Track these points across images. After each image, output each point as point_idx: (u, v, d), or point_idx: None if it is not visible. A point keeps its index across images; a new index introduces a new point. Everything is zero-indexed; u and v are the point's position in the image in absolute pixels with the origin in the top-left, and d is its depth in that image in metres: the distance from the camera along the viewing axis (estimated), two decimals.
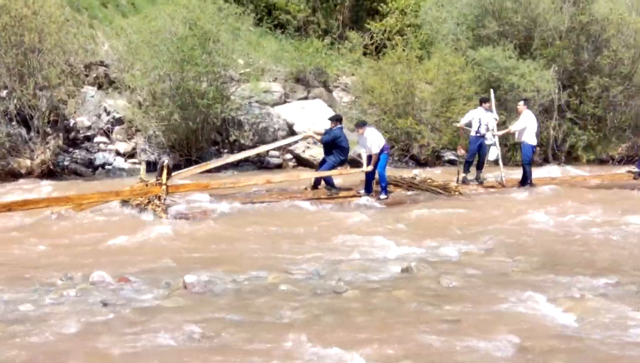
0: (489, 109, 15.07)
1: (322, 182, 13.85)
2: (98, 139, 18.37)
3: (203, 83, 18.07)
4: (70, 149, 17.76)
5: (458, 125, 15.66)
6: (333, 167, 13.71)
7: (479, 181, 15.09)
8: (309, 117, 20.31)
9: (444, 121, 20.24)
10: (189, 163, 17.84)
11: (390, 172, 14.97)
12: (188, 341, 5.59)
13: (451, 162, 20.79)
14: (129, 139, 18.69)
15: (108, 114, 18.71)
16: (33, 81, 16.29)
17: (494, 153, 15.18)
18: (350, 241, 9.88)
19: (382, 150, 13.48)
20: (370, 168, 13.39)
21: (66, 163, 17.25)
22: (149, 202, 11.74)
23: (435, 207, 12.69)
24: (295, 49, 23.24)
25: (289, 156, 19.84)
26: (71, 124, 18.09)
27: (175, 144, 18.21)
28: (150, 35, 17.79)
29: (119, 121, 18.77)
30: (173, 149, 18.18)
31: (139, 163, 17.66)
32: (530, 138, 14.89)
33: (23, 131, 16.63)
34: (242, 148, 18.55)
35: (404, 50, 21.00)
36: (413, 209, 12.48)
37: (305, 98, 22.00)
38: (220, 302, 6.72)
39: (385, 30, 25.36)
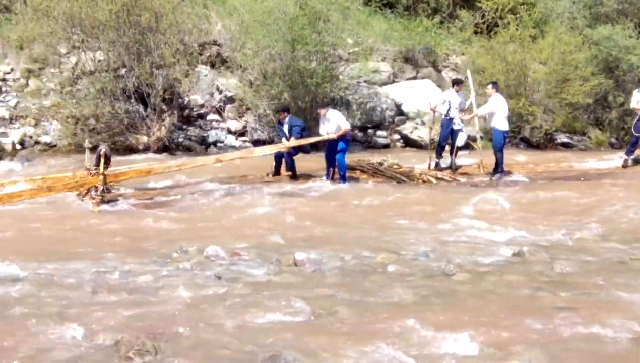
0: (459, 92, 14.73)
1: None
2: (211, 116, 18.82)
3: (312, 62, 18.17)
4: (184, 126, 18.29)
5: (431, 107, 15.25)
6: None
7: (453, 168, 14.61)
8: (417, 97, 20.11)
9: (558, 102, 19.62)
10: None
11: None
12: (298, 317, 5.68)
13: (565, 145, 20.16)
14: (240, 117, 19.06)
15: (220, 92, 19.13)
16: (149, 60, 16.84)
17: (462, 138, 14.64)
18: (454, 223, 9.80)
19: (343, 135, 13.17)
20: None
21: (180, 139, 17.80)
22: (87, 192, 11.36)
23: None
24: (404, 28, 23.01)
25: (396, 136, 19.75)
26: (185, 102, 18.62)
27: None
28: (262, 15, 18.02)
29: (230, 100, 19.16)
30: None
31: (249, 141, 18.07)
32: (500, 123, 14.06)
33: (140, 108, 17.26)
34: (352, 128, 18.69)
35: (516, 29, 20.42)
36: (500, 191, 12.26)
37: (414, 78, 21.79)
38: (329, 280, 6.80)
39: (497, 9, 24.70)
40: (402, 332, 5.31)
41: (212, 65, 19.74)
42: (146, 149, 16.73)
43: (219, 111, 19.01)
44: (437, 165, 14.58)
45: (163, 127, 17.07)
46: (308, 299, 6.00)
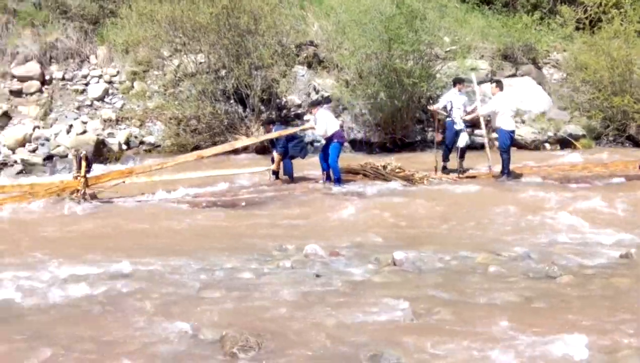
0: (462, 92, 14.22)
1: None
2: (307, 116, 18.97)
3: (409, 61, 18.07)
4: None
5: (432, 108, 14.55)
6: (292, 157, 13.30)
7: (461, 171, 14.08)
8: (517, 95, 19.67)
9: None
10: (393, 141, 18.06)
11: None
12: (398, 317, 5.67)
13: None
14: (336, 117, 19.13)
15: (317, 92, 19.28)
16: (248, 61, 17.15)
17: (463, 139, 14.07)
18: (550, 223, 9.56)
19: (332, 137, 12.76)
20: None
21: None
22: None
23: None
24: (502, 24, 22.53)
25: (495, 135, 19.36)
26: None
27: (381, 122, 18.40)
28: (358, 14, 18.05)
29: (327, 99, 19.27)
30: (378, 127, 18.40)
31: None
32: (505, 123, 13.45)
33: (239, 109, 17.61)
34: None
35: (621, 24, 19.71)
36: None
37: (514, 75, 21.31)
38: (429, 280, 6.76)
39: (600, 4, 23.88)
40: (505, 334, 5.22)
41: (309, 66, 19.92)
42: (245, 148, 17.03)
43: None
44: (444, 168, 14.15)
45: (261, 127, 17.35)
46: (408, 299, 5.97)
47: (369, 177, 13.40)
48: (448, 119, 14.20)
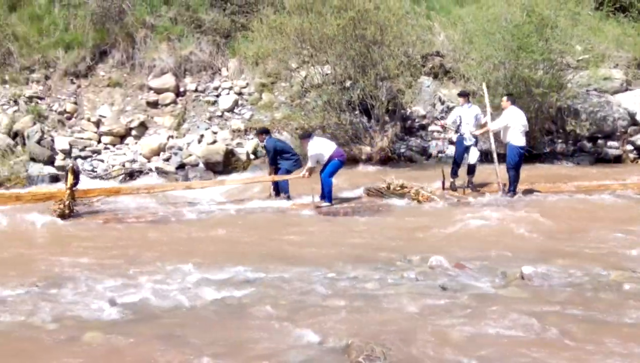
0: (470, 104, 13.58)
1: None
2: (432, 127, 18.85)
3: (538, 71, 17.60)
4: (406, 137, 18.49)
5: (440, 123, 13.96)
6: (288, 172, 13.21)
7: (470, 186, 13.35)
8: None
9: None
10: None
11: None
12: (526, 332, 5.55)
13: None
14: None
15: (442, 103, 19.11)
16: (374, 72, 17.22)
17: (474, 155, 13.26)
18: None
19: (331, 158, 12.51)
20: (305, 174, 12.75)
21: (402, 150, 18.03)
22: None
23: None
24: (638, 33, 21.59)
25: (629, 147, 18.57)
26: (407, 113, 18.81)
27: None
28: (486, 23, 17.76)
29: (452, 110, 19.08)
30: None
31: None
32: (515, 139, 12.61)
33: (364, 120, 17.71)
34: (577, 138, 17.93)
35: None
36: None
37: None
38: (558, 295, 6.57)
39: None
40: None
41: (435, 76, 19.77)
42: (369, 159, 17.11)
43: None
44: (452, 184, 13.48)
45: (385, 138, 17.38)
46: (536, 314, 5.84)
47: (371, 196, 13.15)
48: (457, 134, 13.78)
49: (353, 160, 16.95)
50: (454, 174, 13.57)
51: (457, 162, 13.64)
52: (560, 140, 18.45)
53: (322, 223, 11.11)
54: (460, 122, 13.54)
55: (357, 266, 7.85)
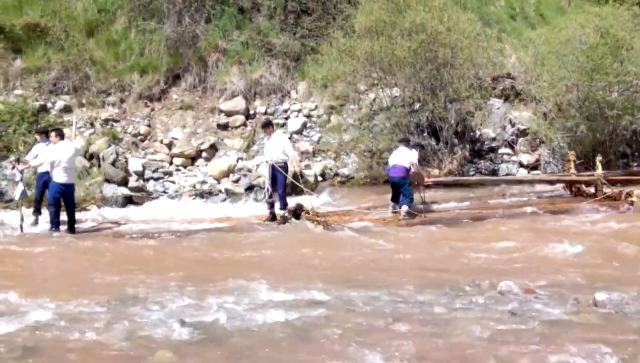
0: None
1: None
2: (502, 150, 18.64)
3: (613, 93, 17.25)
4: (475, 160, 18.32)
5: None
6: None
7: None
8: None
9: None
10: None
11: None
12: (600, 362, 5.39)
13: None
14: (533, 151, 18.63)
15: (513, 125, 18.89)
16: (444, 94, 17.15)
17: None
18: None
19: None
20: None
21: (471, 173, 17.85)
22: None
23: None
24: None
25: None
26: (477, 135, 18.65)
27: (581, 155, 17.63)
28: (558, 45, 17.53)
29: (523, 133, 18.83)
30: (578, 160, 17.64)
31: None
32: None
33: (432, 142, 17.62)
34: None
35: None
36: None
37: None
38: (634, 324, 6.37)
39: None
40: None
41: (506, 99, 19.57)
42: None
43: (511, 144, 18.76)
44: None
45: (455, 161, 17.25)
46: (611, 343, 5.67)
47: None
48: None
49: None
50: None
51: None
52: (635, 164, 17.99)
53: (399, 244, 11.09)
54: None
55: (425, 290, 7.78)
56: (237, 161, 17.83)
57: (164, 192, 16.79)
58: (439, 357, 5.44)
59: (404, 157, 13.64)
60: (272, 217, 13.43)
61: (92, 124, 18.18)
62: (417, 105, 17.89)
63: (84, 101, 18.61)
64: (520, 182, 16.51)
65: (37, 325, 6.36)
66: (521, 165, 18.34)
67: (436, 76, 17.27)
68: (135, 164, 17.21)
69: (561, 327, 6.29)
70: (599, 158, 14.93)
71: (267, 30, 20.20)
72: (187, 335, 6.18)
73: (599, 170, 14.71)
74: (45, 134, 13.68)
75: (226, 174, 17.50)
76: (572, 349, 5.57)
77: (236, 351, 5.82)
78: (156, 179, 17.23)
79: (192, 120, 18.98)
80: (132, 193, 16.08)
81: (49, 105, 18.23)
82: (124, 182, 16.30)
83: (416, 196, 13.90)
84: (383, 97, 18.25)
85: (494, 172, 18.11)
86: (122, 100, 18.97)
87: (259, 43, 19.98)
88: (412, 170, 13.62)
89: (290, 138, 18.57)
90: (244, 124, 18.95)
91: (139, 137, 18.36)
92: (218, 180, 17.40)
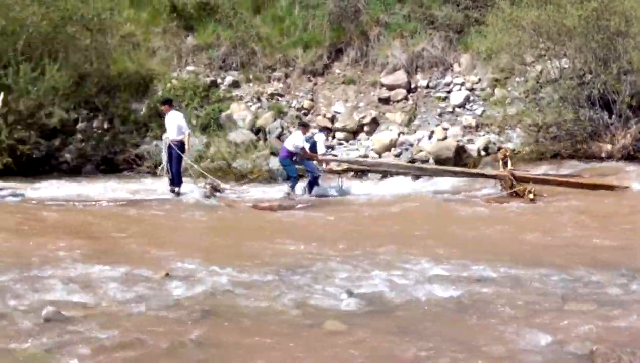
0: None
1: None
2: None
3: None
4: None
5: None
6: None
7: None
8: None
9: None
10: None
11: None
12: None
13: None
14: None
15: None
16: (617, 66, 16.20)
17: None
18: None
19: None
20: None
21: None
22: None
23: None
24: None
25: None
26: None
27: None
28: None
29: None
30: None
31: None
32: None
33: (604, 116, 16.72)
34: None
35: None
36: None
37: None
38: None
39: None
40: None
41: None
42: (609, 157, 16.14)
43: None
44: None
45: (629, 135, 16.29)
46: None
47: None
48: None
49: (591, 157, 16.16)
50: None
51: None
52: None
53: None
54: None
55: (598, 270, 7.45)
56: (399, 135, 17.81)
57: None
58: (618, 339, 5.20)
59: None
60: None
61: (258, 99, 18.78)
62: (587, 77, 17.03)
63: (250, 76, 19.23)
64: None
65: (214, 291, 6.69)
66: None
67: (609, 46, 16.32)
68: None
69: None
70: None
71: (430, 2, 19.87)
72: (355, 306, 6.28)
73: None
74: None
75: (388, 148, 17.55)
76: None
77: (403, 324, 5.84)
78: None
79: (354, 94, 19.13)
80: None
81: (219, 80, 19.04)
82: None
83: None
84: (551, 69, 17.49)
85: None
86: (286, 75, 19.42)
87: (420, 15, 19.72)
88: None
89: (452, 112, 18.32)
90: (406, 98, 18.85)
91: (303, 111, 18.75)
92: (380, 154, 17.48)
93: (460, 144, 17.28)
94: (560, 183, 13.67)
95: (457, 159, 16.74)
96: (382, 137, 17.80)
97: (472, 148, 17.26)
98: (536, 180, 13.57)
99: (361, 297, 6.50)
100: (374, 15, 19.69)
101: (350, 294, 6.51)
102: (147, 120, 18.00)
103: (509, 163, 13.94)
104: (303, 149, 14.21)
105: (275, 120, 17.87)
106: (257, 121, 17.86)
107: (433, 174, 15.40)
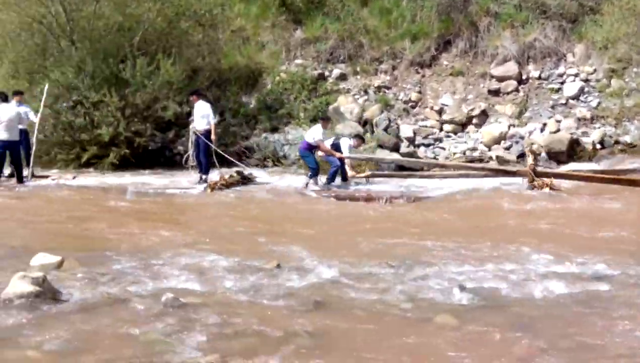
0: None
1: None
2: None
3: None
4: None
5: None
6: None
7: None
8: None
9: None
10: None
11: None
12: None
13: None
14: None
15: None
16: None
17: None
18: None
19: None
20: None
21: None
22: None
23: None
24: None
25: None
26: None
27: None
28: None
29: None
30: None
31: None
32: None
33: None
34: None
35: None
36: None
37: None
38: None
39: None
40: None
41: None
42: None
43: None
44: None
45: None
46: None
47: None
48: None
49: None
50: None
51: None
52: None
53: None
54: None
55: None
56: (509, 128, 17.44)
57: (435, 158, 16.92)
58: None
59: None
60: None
61: (365, 91, 18.80)
62: None
63: (358, 69, 19.28)
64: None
65: (324, 282, 6.74)
66: None
67: None
68: (406, 130, 17.53)
69: None
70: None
71: None
72: (467, 301, 6.18)
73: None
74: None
75: (497, 140, 17.23)
76: None
77: (517, 320, 5.71)
78: (427, 145, 17.43)
79: (462, 86, 18.87)
80: (404, 159, 16.30)
81: (327, 73, 19.17)
82: (395, 148, 16.66)
83: None
84: None
85: None
86: (393, 68, 19.36)
87: (532, 5, 19.25)
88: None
89: (565, 104, 17.77)
90: (516, 90, 18.45)
91: (410, 104, 18.65)
92: (489, 147, 17.19)
93: (574, 136, 16.73)
94: (583, 179, 13.23)
95: (571, 152, 16.23)
96: (491, 129, 17.49)
97: (587, 141, 16.70)
98: (556, 175, 13.14)
99: (473, 291, 6.40)
100: (484, 5, 19.36)
101: (463, 288, 6.42)
102: (256, 113, 18.32)
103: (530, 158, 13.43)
104: (321, 141, 14.15)
105: (382, 112, 17.83)
106: (365, 113, 17.87)
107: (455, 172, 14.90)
